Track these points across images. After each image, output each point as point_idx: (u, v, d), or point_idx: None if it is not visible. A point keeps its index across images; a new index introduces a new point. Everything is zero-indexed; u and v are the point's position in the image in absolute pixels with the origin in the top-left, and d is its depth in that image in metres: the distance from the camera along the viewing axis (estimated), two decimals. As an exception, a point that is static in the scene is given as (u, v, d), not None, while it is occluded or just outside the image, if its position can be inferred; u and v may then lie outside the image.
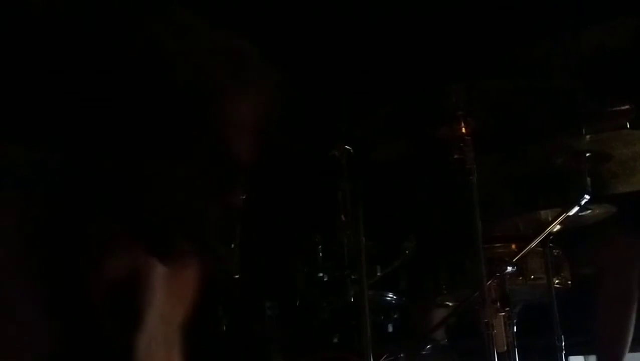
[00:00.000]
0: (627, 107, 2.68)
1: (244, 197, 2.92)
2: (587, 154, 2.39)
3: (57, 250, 1.15)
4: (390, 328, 2.98)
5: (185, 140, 1.10)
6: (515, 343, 2.48)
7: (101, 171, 1.11)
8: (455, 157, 2.24)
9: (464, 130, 2.24)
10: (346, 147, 2.63)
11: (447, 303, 2.91)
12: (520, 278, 2.65)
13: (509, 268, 2.39)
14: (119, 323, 1.21)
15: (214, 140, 1.12)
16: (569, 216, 2.44)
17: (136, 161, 1.10)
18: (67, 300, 1.15)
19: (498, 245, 2.63)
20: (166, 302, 1.32)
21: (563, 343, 2.65)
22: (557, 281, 2.72)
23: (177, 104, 1.12)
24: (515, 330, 2.52)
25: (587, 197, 2.37)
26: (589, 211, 2.62)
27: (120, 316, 1.22)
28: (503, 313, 2.27)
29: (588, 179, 2.38)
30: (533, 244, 2.50)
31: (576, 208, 2.41)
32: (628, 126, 2.66)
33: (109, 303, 1.21)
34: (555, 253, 2.74)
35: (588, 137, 2.39)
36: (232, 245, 2.88)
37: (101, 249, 1.19)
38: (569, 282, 2.80)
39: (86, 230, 1.15)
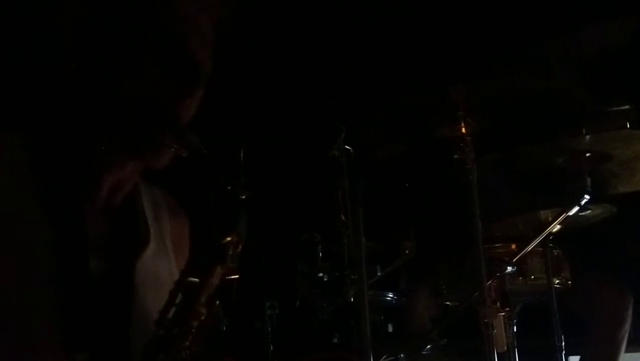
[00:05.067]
0: (627, 107, 2.68)
1: (244, 197, 2.93)
2: (587, 154, 2.39)
3: (59, 176, 1.20)
4: (390, 328, 2.98)
5: (144, 40, 1.16)
6: (515, 343, 2.48)
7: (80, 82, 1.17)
8: (455, 157, 2.24)
9: (464, 130, 2.24)
10: (346, 147, 2.63)
11: (447, 303, 2.91)
12: (520, 278, 2.65)
13: (509, 268, 2.39)
14: (126, 238, 1.25)
15: (170, 38, 1.18)
16: (569, 216, 2.44)
17: (107, 68, 1.16)
18: (73, 220, 1.19)
19: (498, 245, 2.64)
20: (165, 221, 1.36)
21: (563, 343, 2.65)
22: (557, 281, 2.72)
23: (134, 7, 1.17)
24: (515, 330, 2.52)
25: (587, 197, 2.37)
26: (589, 211, 2.62)
27: (126, 231, 1.26)
28: (503, 313, 2.27)
29: (588, 179, 2.38)
30: (533, 244, 2.50)
31: (576, 208, 2.41)
32: (628, 126, 2.66)
33: (115, 217, 1.25)
34: (555, 253, 2.74)
35: (588, 137, 2.39)
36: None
37: (98, 169, 1.23)
38: (569, 282, 2.80)
39: (81, 154, 1.21)
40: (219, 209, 1.20)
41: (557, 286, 2.71)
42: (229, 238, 1.20)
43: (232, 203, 1.22)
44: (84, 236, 1.20)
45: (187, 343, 1.17)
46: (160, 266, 1.32)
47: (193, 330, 1.17)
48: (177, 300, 1.16)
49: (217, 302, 1.20)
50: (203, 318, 1.18)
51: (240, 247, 1.21)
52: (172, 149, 1.20)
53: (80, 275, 1.18)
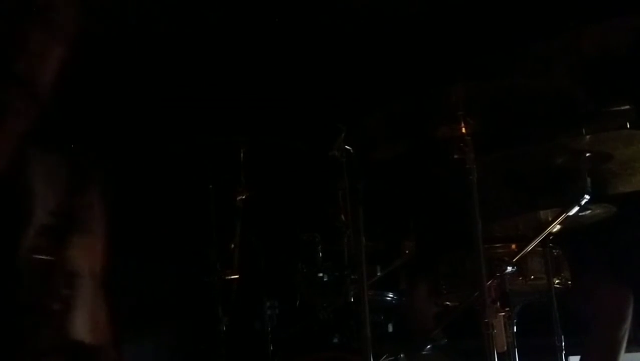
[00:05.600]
0: (627, 107, 2.68)
1: (243, 197, 2.94)
2: (587, 154, 2.39)
3: None
4: (390, 328, 2.98)
5: None
6: (515, 343, 2.48)
7: None
8: (455, 157, 2.24)
9: (464, 130, 2.24)
10: (346, 147, 2.63)
11: (447, 303, 2.91)
12: (520, 278, 2.64)
13: (509, 268, 2.39)
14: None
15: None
16: (569, 216, 2.44)
17: None
18: None
19: (498, 245, 2.63)
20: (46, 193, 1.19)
21: (563, 343, 2.65)
22: (557, 281, 2.72)
23: None
24: (515, 330, 2.52)
25: (587, 197, 2.37)
26: (589, 211, 2.62)
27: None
28: (503, 313, 2.27)
29: (588, 179, 2.38)
30: (533, 244, 2.50)
31: (576, 208, 2.41)
32: (628, 126, 2.66)
33: None
34: (555, 253, 2.74)
35: (588, 137, 2.39)
36: (232, 245, 2.89)
37: None
38: (569, 282, 2.80)
39: None
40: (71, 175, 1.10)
41: (557, 286, 2.71)
42: (76, 200, 1.06)
43: (74, 167, 1.09)
44: None
45: (54, 330, 1.02)
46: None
47: (57, 315, 1.02)
48: (30, 282, 1.01)
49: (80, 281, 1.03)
50: (68, 300, 1.03)
51: (94, 210, 1.07)
52: (18, 109, 1.07)
53: None
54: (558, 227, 2.53)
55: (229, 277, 2.84)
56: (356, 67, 3.59)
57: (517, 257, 2.46)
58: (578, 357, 3.18)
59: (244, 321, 2.91)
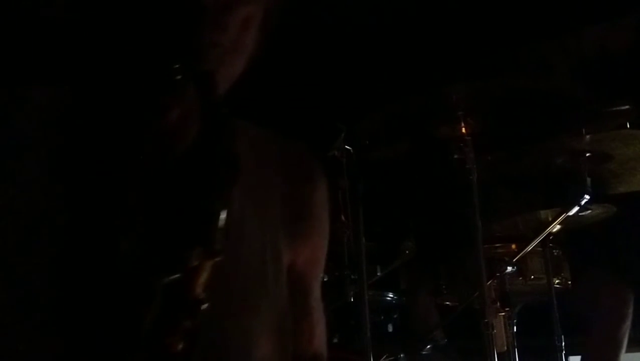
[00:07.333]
0: (627, 107, 2.68)
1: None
2: (587, 154, 2.39)
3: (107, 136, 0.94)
4: (390, 328, 2.98)
5: None
6: (515, 343, 2.48)
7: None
8: (455, 157, 2.24)
9: (464, 130, 2.24)
10: (346, 147, 2.63)
11: (447, 303, 2.91)
12: (520, 278, 2.65)
13: (509, 268, 2.39)
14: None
15: None
16: (569, 216, 2.44)
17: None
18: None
19: (498, 245, 2.64)
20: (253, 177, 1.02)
21: (563, 343, 2.65)
22: (557, 281, 2.72)
23: None
24: (515, 330, 2.52)
25: (587, 197, 2.37)
26: (589, 211, 2.62)
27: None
28: (503, 313, 2.27)
29: (588, 179, 2.38)
30: (533, 244, 2.50)
31: (576, 208, 2.41)
32: (628, 126, 2.66)
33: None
34: (555, 253, 2.74)
35: (588, 137, 2.39)
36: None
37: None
38: (569, 282, 2.80)
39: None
40: None
41: (557, 286, 2.71)
42: None
43: None
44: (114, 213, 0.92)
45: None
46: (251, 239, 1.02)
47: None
48: None
49: None
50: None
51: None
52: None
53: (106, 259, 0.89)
54: (558, 227, 2.53)
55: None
56: (356, 66, 3.59)
57: (517, 257, 2.46)
58: (578, 357, 3.18)
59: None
